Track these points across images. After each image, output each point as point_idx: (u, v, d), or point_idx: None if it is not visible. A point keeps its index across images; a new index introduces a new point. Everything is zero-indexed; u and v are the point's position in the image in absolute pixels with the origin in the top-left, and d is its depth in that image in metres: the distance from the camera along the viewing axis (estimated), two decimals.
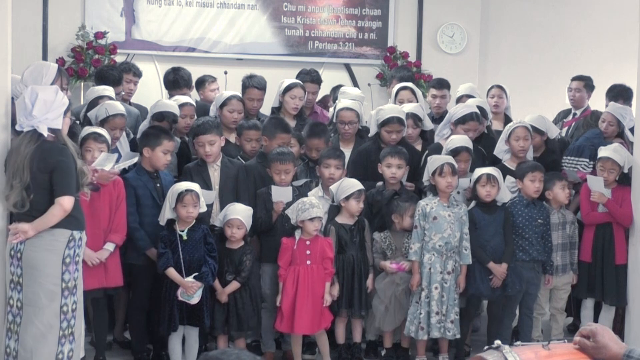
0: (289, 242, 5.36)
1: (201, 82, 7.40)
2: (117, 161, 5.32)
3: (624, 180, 5.85)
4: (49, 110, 4.37)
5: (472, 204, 5.67)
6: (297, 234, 5.35)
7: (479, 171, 5.62)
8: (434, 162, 5.55)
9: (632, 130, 6.28)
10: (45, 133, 4.34)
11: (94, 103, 5.95)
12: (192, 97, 6.85)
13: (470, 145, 5.82)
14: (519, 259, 5.65)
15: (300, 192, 5.56)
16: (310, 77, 6.73)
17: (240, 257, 5.32)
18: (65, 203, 4.36)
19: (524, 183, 5.70)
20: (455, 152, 5.70)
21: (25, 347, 4.41)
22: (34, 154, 4.36)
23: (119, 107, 5.76)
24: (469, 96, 6.78)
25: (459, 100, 6.81)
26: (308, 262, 5.33)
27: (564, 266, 5.82)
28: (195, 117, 6.20)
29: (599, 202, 5.74)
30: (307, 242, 5.34)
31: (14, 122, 4.53)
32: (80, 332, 4.61)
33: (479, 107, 6.23)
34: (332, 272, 5.38)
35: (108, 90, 6.14)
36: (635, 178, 5.75)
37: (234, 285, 5.30)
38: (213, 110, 6.33)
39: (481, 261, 5.57)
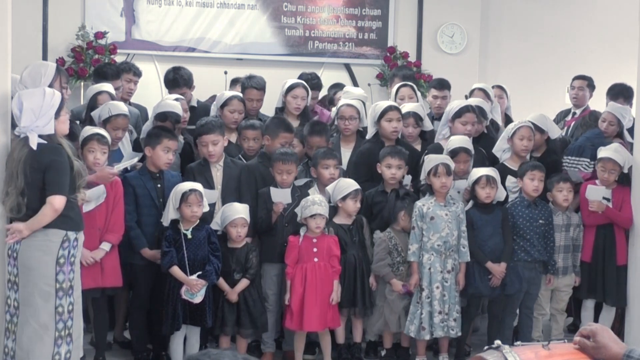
0: (295, 240, 5.37)
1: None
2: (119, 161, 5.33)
3: (624, 180, 5.84)
4: (38, 117, 4.31)
5: (470, 204, 5.66)
6: (302, 231, 5.37)
7: (478, 172, 5.59)
8: (429, 162, 5.55)
9: (629, 130, 6.29)
10: (34, 145, 4.28)
11: (93, 100, 5.95)
12: (193, 97, 6.84)
13: (469, 145, 5.79)
14: (520, 260, 5.64)
15: (302, 193, 5.57)
16: (311, 84, 6.68)
17: (246, 255, 5.34)
18: (56, 202, 4.32)
19: (524, 181, 5.69)
20: (453, 153, 5.70)
21: (22, 347, 4.41)
22: (26, 157, 4.34)
23: (122, 107, 5.74)
24: (481, 89, 6.73)
25: (471, 94, 6.77)
26: (315, 259, 5.34)
27: (566, 268, 5.81)
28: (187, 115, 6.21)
29: (598, 211, 5.72)
30: (314, 240, 5.35)
31: (14, 123, 4.53)
32: (79, 333, 4.59)
33: (478, 107, 6.21)
34: (339, 270, 5.39)
35: (105, 86, 6.10)
36: (635, 178, 5.74)
37: (244, 283, 5.30)
38: (214, 110, 6.33)
39: (479, 261, 5.57)
